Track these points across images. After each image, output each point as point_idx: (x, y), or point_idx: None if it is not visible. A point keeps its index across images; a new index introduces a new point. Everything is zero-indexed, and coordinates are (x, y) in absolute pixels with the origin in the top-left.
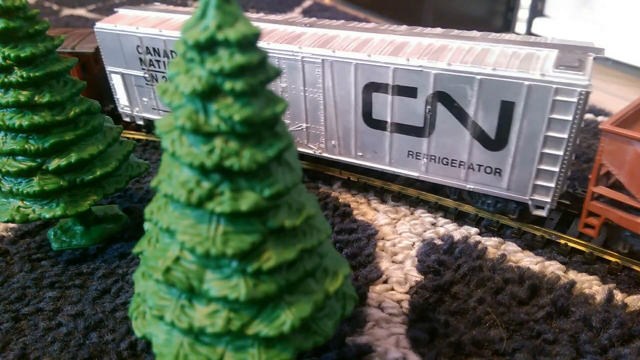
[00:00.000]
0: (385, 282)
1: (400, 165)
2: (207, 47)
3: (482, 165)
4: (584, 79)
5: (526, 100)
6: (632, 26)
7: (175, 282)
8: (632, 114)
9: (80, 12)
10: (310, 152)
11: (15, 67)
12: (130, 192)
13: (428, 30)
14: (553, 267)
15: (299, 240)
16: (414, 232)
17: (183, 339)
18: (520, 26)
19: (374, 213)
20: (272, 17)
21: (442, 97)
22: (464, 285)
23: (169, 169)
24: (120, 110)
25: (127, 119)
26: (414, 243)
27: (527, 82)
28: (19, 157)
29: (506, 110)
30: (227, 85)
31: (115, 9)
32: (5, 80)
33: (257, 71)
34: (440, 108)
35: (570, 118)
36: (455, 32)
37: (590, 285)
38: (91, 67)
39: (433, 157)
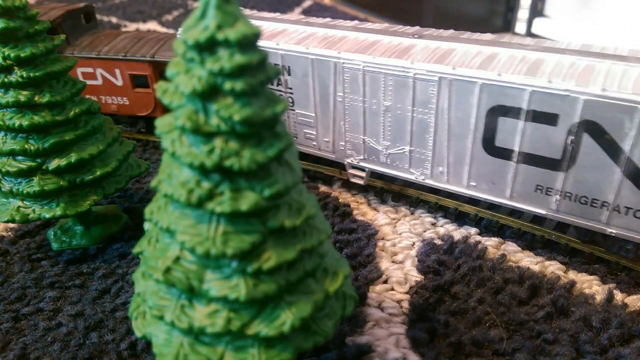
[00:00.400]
0: (385, 282)
1: (523, 200)
2: (207, 47)
3: (631, 209)
4: None
5: None
6: (632, 26)
7: (175, 282)
8: None
9: None
10: (411, 177)
11: (16, 67)
12: (130, 192)
13: (565, 44)
14: (553, 267)
15: (299, 240)
16: (414, 232)
17: (183, 339)
18: (520, 26)
19: (374, 213)
20: (369, 25)
21: (591, 127)
22: (464, 285)
23: (169, 169)
24: None
25: None
26: (414, 243)
27: None
28: (19, 157)
29: None
30: (227, 85)
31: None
32: (6, 80)
33: (257, 71)
34: (587, 139)
35: None
36: (601, 48)
37: (590, 285)
38: None
39: (568, 194)
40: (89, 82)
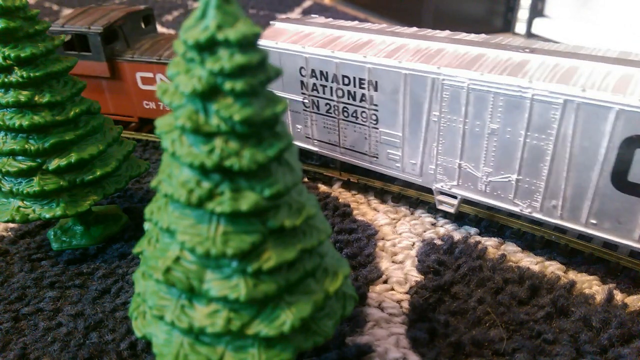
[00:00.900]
0: (385, 282)
1: None
2: (207, 47)
3: None
4: None
5: None
6: (632, 26)
7: (175, 282)
8: None
9: None
10: (515, 209)
11: (16, 67)
12: (130, 192)
13: None
14: (553, 267)
15: (299, 240)
16: (414, 232)
17: (183, 339)
18: (520, 26)
19: (374, 213)
20: (465, 36)
21: None
22: (464, 285)
23: (169, 169)
24: None
25: None
26: (414, 243)
27: None
28: (19, 157)
29: None
30: (227, 85)
31: (272, 22)
32: (6, 80)
33: (257, 71)
34: None
35: None
36: None
37: (590, 285)
38: None
39: None
40: (149, 88)
